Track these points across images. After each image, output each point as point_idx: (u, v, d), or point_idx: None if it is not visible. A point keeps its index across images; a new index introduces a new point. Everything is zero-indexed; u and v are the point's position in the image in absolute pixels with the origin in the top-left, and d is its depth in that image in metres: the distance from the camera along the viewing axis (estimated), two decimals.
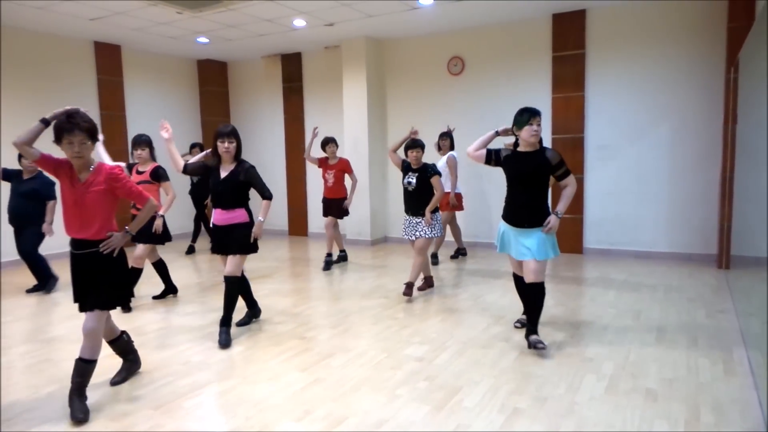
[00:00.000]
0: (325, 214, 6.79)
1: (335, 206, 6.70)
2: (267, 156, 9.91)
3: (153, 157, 5.18)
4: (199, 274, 6.68)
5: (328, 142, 6.71)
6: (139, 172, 5.10)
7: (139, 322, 4.73)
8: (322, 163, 6.77)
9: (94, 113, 8.19)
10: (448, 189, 6.53)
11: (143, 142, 5.10)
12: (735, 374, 3.35)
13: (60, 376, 3.57)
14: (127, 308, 4.99)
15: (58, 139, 2.94)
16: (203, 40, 8.22)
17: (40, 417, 2.98)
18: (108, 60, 8.32)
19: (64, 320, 4.77)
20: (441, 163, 6.55)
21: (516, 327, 4.32)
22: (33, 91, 7.46)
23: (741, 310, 4.55)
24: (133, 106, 8.76)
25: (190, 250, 8.06)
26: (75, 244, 3.05)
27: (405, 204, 5.29)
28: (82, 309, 3.08)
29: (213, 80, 9.95)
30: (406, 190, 5.22)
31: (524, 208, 3.75)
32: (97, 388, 3.34)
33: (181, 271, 6.84)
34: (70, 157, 2.96)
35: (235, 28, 7.51)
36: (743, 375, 3.33)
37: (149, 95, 9.06)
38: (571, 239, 7.36)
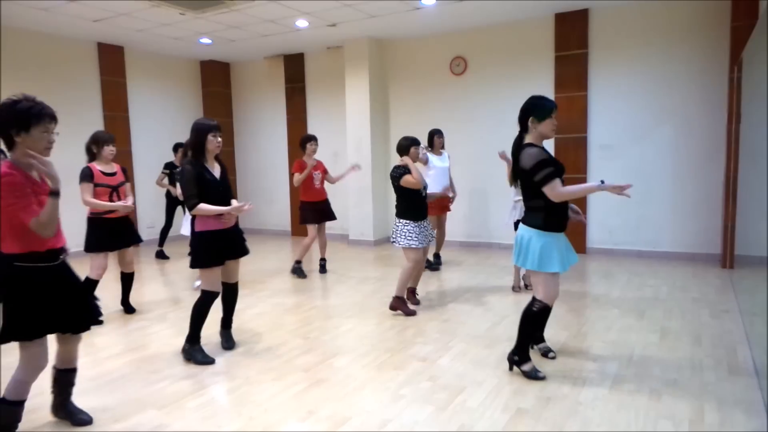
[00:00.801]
0: (320, 219, 6.36)
1: (326, 209, 6.41)
2: (270, 156, 9.93)
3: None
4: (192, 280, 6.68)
5: (312, 139, 6.32)
6: (108, 174, 4.58)
7: (142, 323, 4.74)
8: (305, 165, 6.24)
9: (97, 114, 8.22)
10: (441, 190, 6.23)
11: (113, 138, 4.70)
12: (739, 374, 3.34)
13: None
14: (130, 309, 5.00)
15: (25, 128, 2.45)
16: (206, 41, 8.24)
17: (44, 417, 2.99)
18: (111, 61, 8.34)
19: None
20: (444, 162, 6.41)
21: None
22: (37, 92, 7.33)
23: (745, 309, 4.54)
24: (137, 107, 8.78)
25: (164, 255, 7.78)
26: (52, 255, 2.59)
27: (417, 209, 4.73)
28: (62, 332, 2.69)
29: (216, 81, 9.97)
30: (418, 193, 4.73)
31: (566, 208, 3.36)
32: (100, 389, 3.36)
33: (181, 274, 6.86)
34: (44, 148, 2.49)
35: (238, 28, 7.52)
36: (748, 375, 3.32)
37: (152, 96, 9.08)
38: (574, 239, 7.27)
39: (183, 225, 6.04)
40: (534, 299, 3.34)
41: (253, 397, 3.20)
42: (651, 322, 4.38)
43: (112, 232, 4.64)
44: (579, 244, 7.34)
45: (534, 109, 3.27)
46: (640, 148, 6.93)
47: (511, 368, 3.42)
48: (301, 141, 6.38)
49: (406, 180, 4.63)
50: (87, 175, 4.46)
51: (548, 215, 3.21)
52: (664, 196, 6.84)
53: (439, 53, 8.12)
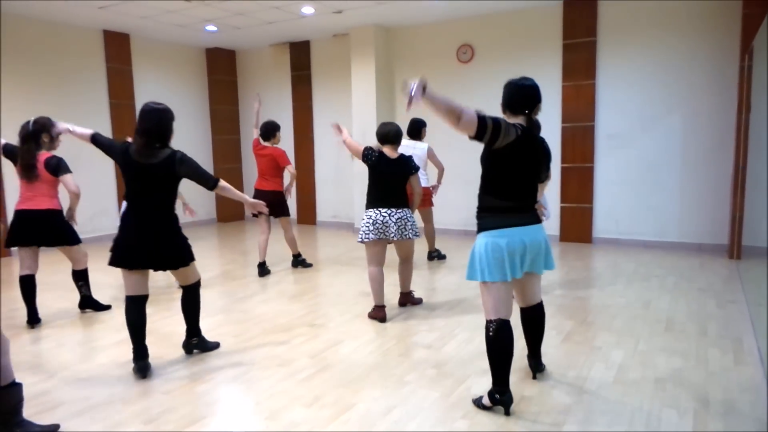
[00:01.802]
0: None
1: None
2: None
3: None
4: (200, 268, 6.71)
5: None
6: None
7: (148, 310, 4.75)
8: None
9: (103, 102, 8.22)
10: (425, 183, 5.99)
11: None
12: (745, 364, 3.33)
13: (67, 367, 3.61)
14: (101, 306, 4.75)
15: None
16: (211, 28, 8.21)
17: (48, 410, 3.02)
18: (117, 49, 8.33)
19: (74, 315, 4.81)
20: (423, 151, 6.11)
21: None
22: (43, 79, 7.49)
23: (752, 300, 4.52)
24: (142, 95, 8.76)
25: None
26: None
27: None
28: None
29: (221, 69, 9.95)
30: None
31: None
32: (107, 374, 3.39)
33: None
34: None
35: (244, 15, 7.48)
36: (753, 365, 3.31)
37: (158, 84, 9.07)
38: (579, 229, 7.33)
39: None
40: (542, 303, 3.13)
41: (259, 382, 3.22)
42: (656, 312, 4.37)
43: None
44: (585, 233, 7.32)
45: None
46: (648, 138, 6.88)
47: (534, 376, 3.21)
48: (273, 128, 5.95)
49: (414, 185, 4.44)
50: (67, 165, 4.24)
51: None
52: (671, 186, 6.80)
53: (445, 41, 8.07)
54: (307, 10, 7.25)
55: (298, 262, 6.27)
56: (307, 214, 9.74)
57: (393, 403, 2.93)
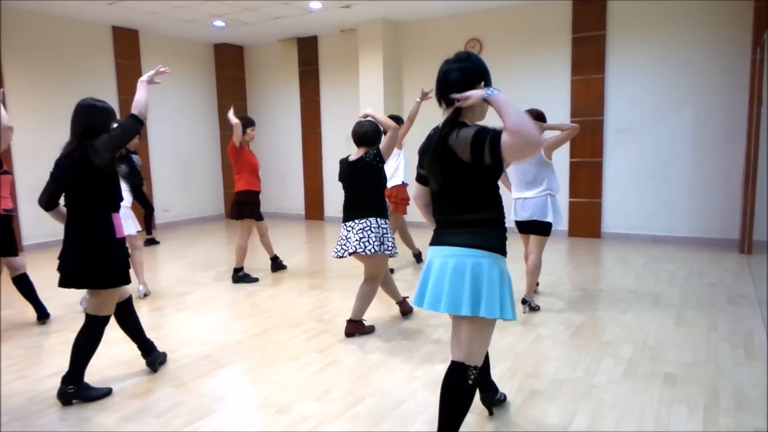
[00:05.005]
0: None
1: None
2: (283, 140, 9.93)
3: None
4: (210, 263, 6.75)
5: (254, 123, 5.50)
6: None
7: (159, 304, 4.80)
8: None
9: (112, 97, 8.26)
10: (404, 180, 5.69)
11: None
12: (756, 359, 3.31)
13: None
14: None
15: None
16: (219, 23, 8.22)
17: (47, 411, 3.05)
18: (126, 45, 8.37)
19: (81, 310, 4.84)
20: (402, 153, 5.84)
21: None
22: (52, 75, 7.54)
23: (763, 295, 4.48)
24: (151, 90, 8.76)
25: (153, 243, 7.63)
26: None
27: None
28: None
29: (229, 64, 9.96)
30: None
31: None
32: (118, 367, 3.42)
33: (194, 257, 6.92)
34: None
35: (252, 11, 7.49)
36: (764, 360, 3.29)
37: (166, 80, 9.02)
38: (589, 224, 7.30)
39: (126, 223, 4.38)
40: (468, 368, 2.10)
41: (268, 376, 3.23)
42: (666, 307, 4.35)
43: None
44: (594, 228, 7.29)
45: (487, 72, 2.29)
46: (659, 132, 6.82)
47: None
48: (247, 123, 5.36)
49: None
50: None
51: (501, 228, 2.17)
52: (682, 181, 6.74)
53: (453, 35, 8.03)
54: (315, 5, 7.24)
55: (277, 265, 5.92)
56: (315, 210, 9.76)
57: (402, 397, 2.93)
